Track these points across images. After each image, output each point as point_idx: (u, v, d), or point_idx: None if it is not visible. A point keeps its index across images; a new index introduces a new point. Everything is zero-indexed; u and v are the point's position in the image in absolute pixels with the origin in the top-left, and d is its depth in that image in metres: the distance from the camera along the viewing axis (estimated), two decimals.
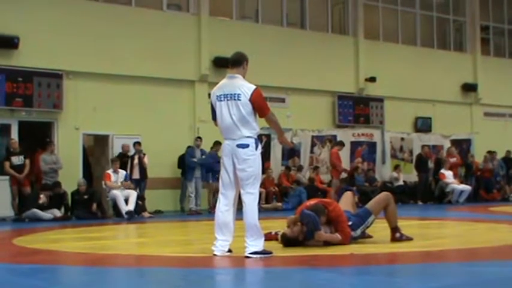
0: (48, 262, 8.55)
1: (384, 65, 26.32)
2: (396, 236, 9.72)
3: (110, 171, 18.92)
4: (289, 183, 22.48)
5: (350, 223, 9.41)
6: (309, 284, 6.46)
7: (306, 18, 25.59)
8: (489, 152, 26.68)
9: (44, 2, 20.09)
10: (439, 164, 25.09)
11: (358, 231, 9.48)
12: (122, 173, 18.95)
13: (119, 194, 18.26)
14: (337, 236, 9.22)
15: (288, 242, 9.27)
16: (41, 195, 17.94)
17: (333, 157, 21.78)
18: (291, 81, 24.04)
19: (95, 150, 21.80)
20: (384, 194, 9.98)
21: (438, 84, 27.89)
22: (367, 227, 9.65)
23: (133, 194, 18.43)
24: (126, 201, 18.24)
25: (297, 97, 24.26)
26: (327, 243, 9.12)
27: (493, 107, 29.91)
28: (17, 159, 18.42)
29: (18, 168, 18.34)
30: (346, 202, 10.06)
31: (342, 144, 22.58)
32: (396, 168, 25.57)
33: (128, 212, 17.85)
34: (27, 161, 18.55)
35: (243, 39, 21.79)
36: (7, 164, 18.37)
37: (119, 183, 18.66)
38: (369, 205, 9.78)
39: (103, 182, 19.25)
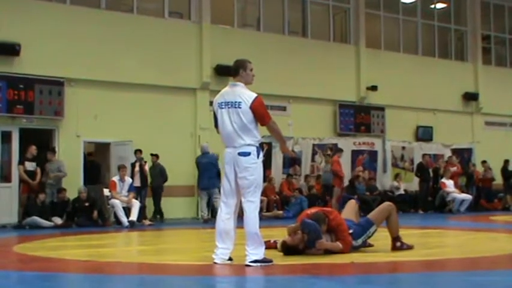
0: (49, 270, 8.54)
1: (385, 74, 26.34)
2: (397, 245, 9.70)
3: (115, 179, 18.83)
4: (291, 192, 22.49)
5: (351, 231, 9.40)
6: None
7: (308, 26, 25.62)
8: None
9: (46, 9, 20.13)
10: (437, 173, 25.12)
11: (359, 241, 9.47)
12: (128, 180, 18.88)
13: (117, 203, 18.24)
14: (338, 245, 9.21)
15: (288, 250, 9.26)
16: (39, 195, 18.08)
17: (335, 165, 21.82)
18: (293, 89, 24.05)
19: (96, 157, 21.79)
20: (386, 204, 9.96)
21: (439, 93, 27.90)
22: (369, 237, 9.63)
23: (136, 205, 18.42)
24: (129, 209, 18.25)
25: (298, 105, 24.26)
26: (328, 252, 9.11)
27: (494, 116, 29.91)
28: (29, 165, 18.49)
29: (30, 175, 18.42)
30: (349, 211, 10.05)
31: (340, 150, 22.69)
32: (397, 177, 25.60)
33: (130, 221, 17.86)
34: (39, 169, 18.62)
35: (244, 47, 21.80)
36: (21, 168, 18.47)
37: (124, 193, 18.60)
38: (371, 215, 9.77)
39: (106, 190, 19.24)
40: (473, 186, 26.26)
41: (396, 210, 9.96)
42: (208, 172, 19.68)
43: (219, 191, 10.27)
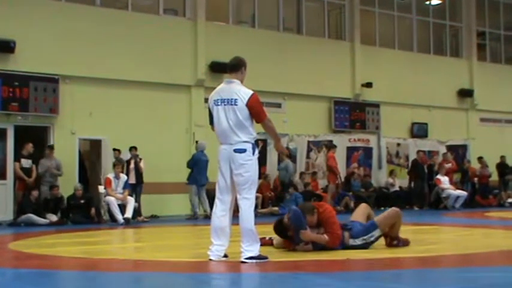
0: (45, 267, 8.54)
1: (380, 71, 26.35)
2: (393, 243, 9.67)
3: (110, 176, 18.75)
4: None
5: (349, 227, 9.41)
6: None
7: (303, 23, 25.60)
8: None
9: (41, 6, 20.09)
10: (432, 169, 25.14)
11: (358, 241, 9.39)
12: (123, 178, 18.81)
13: (113, 200, 18.21)
14: (324, 237, 9.18)
15: (279, 228, 9.45)
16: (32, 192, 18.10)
17: (331, 160, 21.90)
18: (288, 86, 24.04)
19: (91, 154, 21.77)
20: (394, 211, 9.82)
21: (434, 90, 27.92)
22: (372, 242, 9.51)
23: (131, 201, 18.39)
24: (124, 206, 18.23)
25: (294, 102, 24.25)
26: (317, 248, 9.12)
27: (489, 113, 29.93)
28: (25, 162, 18.50)
29: (26, 172, 18.43)
30: (360, 213, 9.92)
31: (334, 146, 22.80)
32: (391, 173, 25.61)
33: (125, 219, 17.83)
34: (34, 166, 18.62)
35: (239, 44, 21.79)
36: (17, 165, 18.49)
37: (119, 190, 18.56)
38: (378, 219, 9.64)
39: (101, 187, 19.21)
40: (468, 183, 26.29)
41: (390, 206, 9.93)
42: (207, 170, 19.76)
43: None
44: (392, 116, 26.68)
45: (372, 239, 9.48)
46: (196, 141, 20.62)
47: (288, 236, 9.35)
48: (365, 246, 9.45)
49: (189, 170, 20.02)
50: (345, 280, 7.05)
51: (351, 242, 9.37)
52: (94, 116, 20.37)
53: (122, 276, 7.76)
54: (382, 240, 9.77)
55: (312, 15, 26.14)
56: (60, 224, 17.64)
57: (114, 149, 19.97)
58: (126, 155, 19.89)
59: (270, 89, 22.61)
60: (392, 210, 9.93)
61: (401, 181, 25.80)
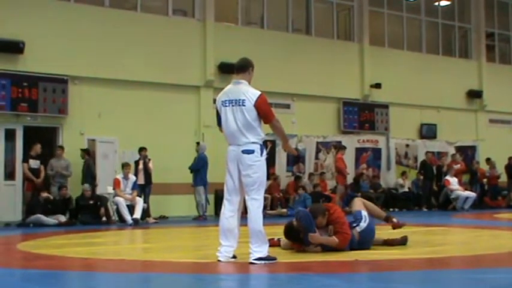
0: (53, 267, 8.55)
1: (389, 72, 26.33)
2: (394, 221, 10.19)
3: (119, 177, 18.79)
4: (296, 193, 22.31)
5: (354, 225, 9.49)
6: None
7: (312, 24, 25.60)
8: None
9: (50, 7, 20.15)
10: (440, 170, 25.09)
11: (362, 223, 9.58)
12: (132, 178, 18.83)
13: (121, 201, 18.22)
14: (334, 239, 9.19)
15: (290, 232, 9.45)
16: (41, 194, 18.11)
17: (339, 162, 21.91)
18: (296, 87, 24.05)
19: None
20: (356, 199, 10.41)
21: (443, 91, 27.88)
22: (370, 222, 9.70)
23: (139, 202, 18.41)
24: (132, 207, 18.23)
25: (302, 103, 24.27)
26: (327, 250, 9.11)
27: (498, 114, 29.89)
28: (34, 163, 18.51)
29: (34, 172, 18.46)
30: (356, 204, 10.20)
31: (344, 148, 22.78)
32: (403, 174, 25.60)
33: (133, 219, 17.84)
34: (42, 167, 18.63)
35: (248, 45, 21.81)
36: (25, 166, 18.49)
37: (128, 191, 18.56)
38: (353, 209, 10.13)
39: (109, 187, 19.23)
40: (477, 184, 26.23)
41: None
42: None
43: None
44: (401, 117, 26.66)
45: (367, 219, 9.69)
46: (197, 143, 20.61)
47: (300, 238, 9.31)
48: (371, 226, 9.67)
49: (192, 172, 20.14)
50: (354, 281, 7.06)
51: (358, 229, 9.53)
52: (103, 116, 20.41)
53: (130, 277, 7.76)
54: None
55: (320, 16, 26.15)
56: (69, 225, 17.66)
57: (82, 149, 19.89)
58: (135, 156, 19.92)
59: (278, 89, 22.65)
60: (354, 200, 10.52)
61: (408, 182, 25.78)
